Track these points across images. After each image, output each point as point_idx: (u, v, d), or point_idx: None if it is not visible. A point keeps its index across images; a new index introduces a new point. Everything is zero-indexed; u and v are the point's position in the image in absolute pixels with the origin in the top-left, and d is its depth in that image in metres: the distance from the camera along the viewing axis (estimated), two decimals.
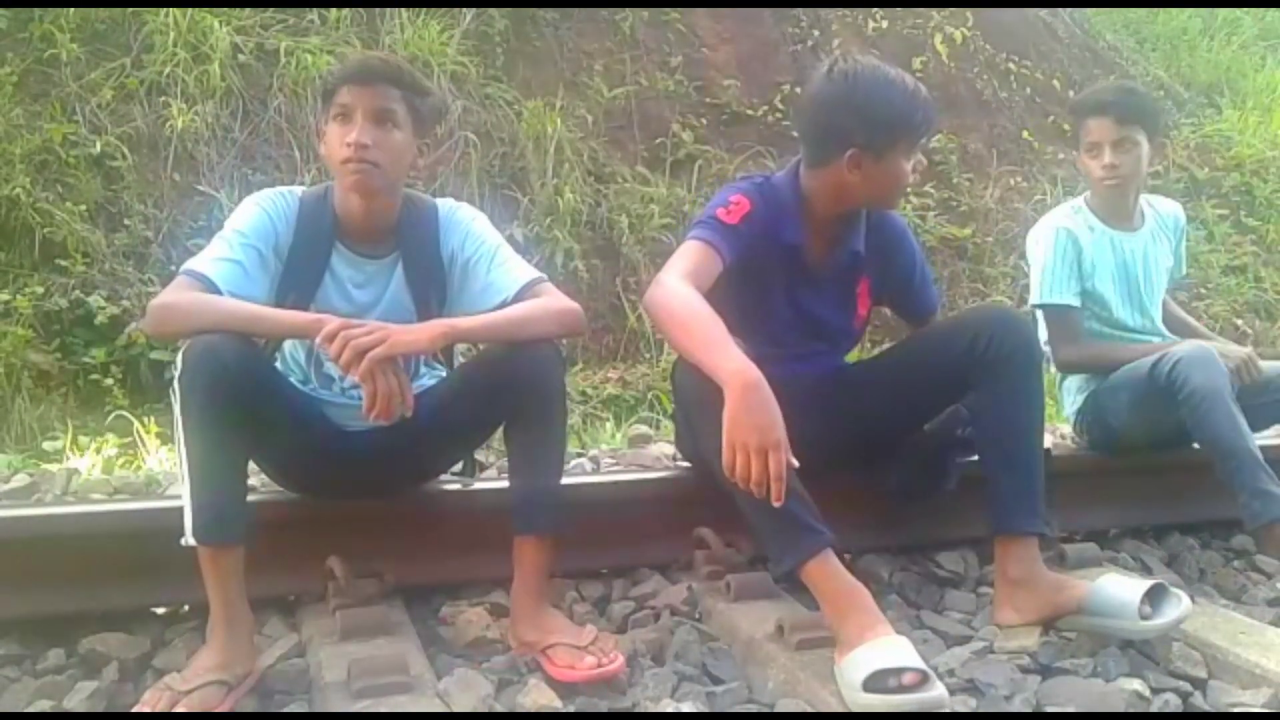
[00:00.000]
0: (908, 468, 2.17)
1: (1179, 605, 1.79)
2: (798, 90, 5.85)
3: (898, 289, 2.26)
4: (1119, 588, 1.84)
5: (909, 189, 2.10)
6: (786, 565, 1.73)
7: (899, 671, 1.52)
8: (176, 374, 1.63)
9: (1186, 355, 2.27)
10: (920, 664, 1.54)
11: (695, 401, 1.81)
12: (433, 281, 1.95)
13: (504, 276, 1.91)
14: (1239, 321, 5.69)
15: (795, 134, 2.17)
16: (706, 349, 1.71)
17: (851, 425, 2.08)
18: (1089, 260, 2.60)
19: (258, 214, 1.85)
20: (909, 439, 2.17)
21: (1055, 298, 2.56)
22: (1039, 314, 2.62)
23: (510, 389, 1.79)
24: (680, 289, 1.80)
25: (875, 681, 1.52)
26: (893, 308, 2.34)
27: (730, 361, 1.66)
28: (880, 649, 1.56)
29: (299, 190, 1.94)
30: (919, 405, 2.10)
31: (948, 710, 1.55)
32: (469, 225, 1.96)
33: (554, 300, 1.88)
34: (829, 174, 2.00)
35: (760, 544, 1.80)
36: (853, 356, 2.38)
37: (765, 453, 1.60)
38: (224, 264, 1.77)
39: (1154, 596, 1.80)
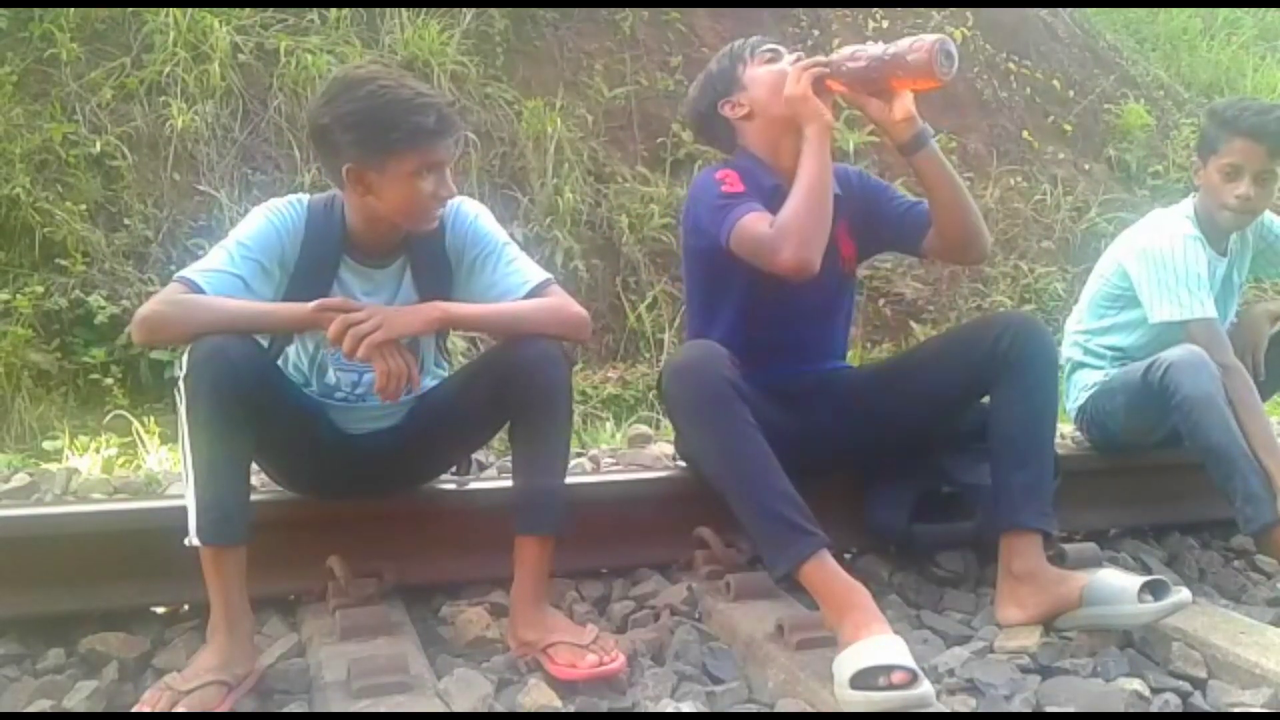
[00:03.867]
0: (888, 509, 2.19)
1: (1178, 594, 1.81)
2: None
3: (889, 216, 2.20)
4: (1117, 578, 1.88)
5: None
6: (781, 569, 1.74)
7: (888, 670, 1.52)
8: (181, 374, 1.62)
9: (1176, 361, 2.24)
10: (909, 663, 1.54)
11: (683, 409, 1.85)
12: (439, 279, 1.94)
13: (511, 276, 1.90)
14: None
15: None
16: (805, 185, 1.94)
17: (869, 425, 2.08)
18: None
19: (265, 226, 1.83)
20: (894, 479, 2.20)
21: (1207, 311, 2.38)
22: (1188, 328, 2.37)
23: (514, 388, 1.79)
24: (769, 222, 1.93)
25: (862, 679, 1.52)
26: (894, 238, 2.24)
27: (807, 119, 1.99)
28: (872, 647, 1.57)
29: (306, 199, 1.91)
30: (938, 404, 2.11)
31: (934, 710, 1.55)
32: (474, 222, 1.95)
33: (561, 301, 1.87)
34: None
35: (755, 548, 1.80)
36: (854, 359, 2.38)
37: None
38: (221, 276, 1.73)
39: (1153, 588, 1.82)
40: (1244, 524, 2.18)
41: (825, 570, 1.71)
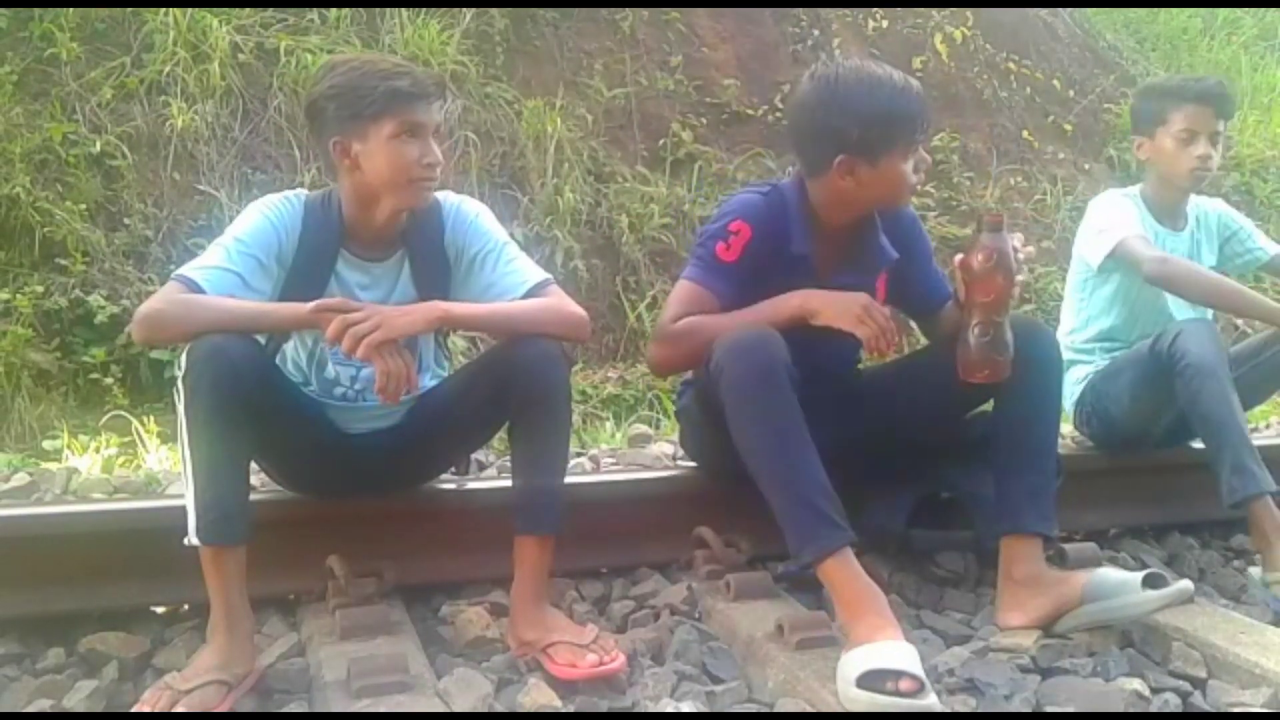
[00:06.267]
0: (886, 511, 2.19)
1: (1180, 582, 1.82)
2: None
3: (914, 281, 2.20)
4: (1117, 573, 1.89)
5: (917, 188, 2.03)
6: (806, 558, 1.72)
7: (897, 675, 1.51)
8: (181, 373, 1.62)
9: (1188, 328, 2.28)
10: (919, 672, 1.53)
11: (737, 387, 1.78)
12: (437, 276, 1.94)
13: (510, 276, 1.90)
14: (1239, 322, 5.69)
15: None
16: (754, 317, 1.89)
17: (871, 428, 2.08)
18: None
19: (261, 222, 1.83)
20: (895, 482, 2.20)
21: (1131, 229, 2.46)
22: (1119, 253, 2.46)
23: (513, 388, 1.79)
24: (679, 328, 1.94)
25: (870, 680, 1.52)
26: (907, 302, 2.26)
27: (784, 303, 1.92)
28: (884, 650, 1.56)
29: (303, 194, 1.92)
30: (941, 409, 2.10)
31: (944, 711, 1.55)
32: (474, 221, 1.96)
33: (560, 301, 1.88)
34: (826, 183, 1.97)
35: (783, 535, 1.76)
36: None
37: (866, 309, 1.86)
38: (219, 273, 1.74)
39: (1152, 581, 1.82)
40: (1227, 494, 2.19)
41: (848, 568, 1.70)
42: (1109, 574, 1.88)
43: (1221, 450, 2.19)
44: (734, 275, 1.97)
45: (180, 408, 1.63)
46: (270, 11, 4.96)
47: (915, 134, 1.93)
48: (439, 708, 1.53)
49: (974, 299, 1.82)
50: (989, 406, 2.06)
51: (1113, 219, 2.52)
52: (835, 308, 1.89)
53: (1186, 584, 1.82)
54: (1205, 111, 2.49)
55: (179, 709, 1.51)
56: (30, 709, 1.62)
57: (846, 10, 6.42)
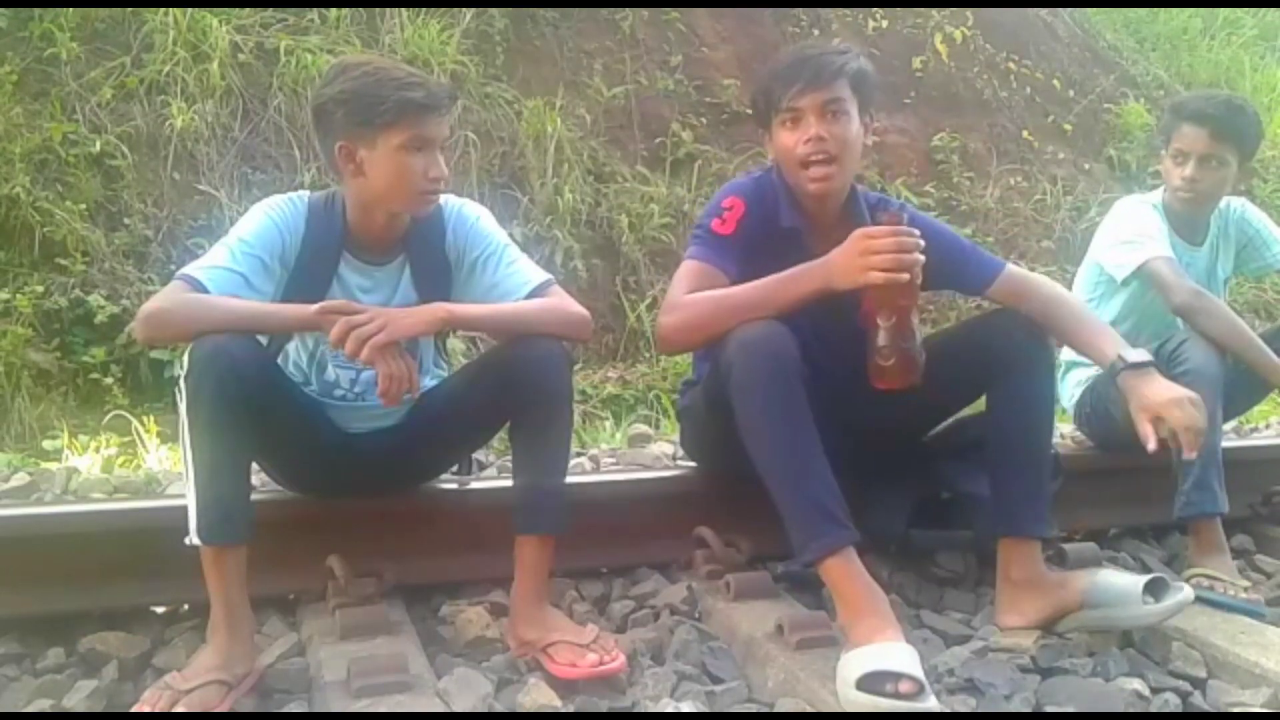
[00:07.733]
0: (886, 512, 2.18)
1: (1180, 592, 1.80)
2: None
3: (940, 268, 2.06)
4: (1119, 578, 1.87)
5: (809, 162, 1.97)
6: (809, 555, 1.72)
7: (896, 677, 1.51)
8: (183, 373, 1.62)
9: (1195, 337, 2.28)
10: (919, 674, 1.53)
11: (748, 383, 1.76)
12: (439, 279, 1.94)
13: (512, 278, 1.91)
14: None
15: None
16: (774, 293, 1.83)
17: (866, 423, 2.07)
18: None
19: (265, 223, 1.83)
20: (895, 482, 2.19)
21: (1160, 250, 2.43)
22: (1146, 272, 2.42)
23: (516, 387, 1.79)
24: (693, 297, 1.89)
25: (869, 682, 1.52)
26: (944, 284, 2.16)
27: (800, 279, 1.82)
28: (884, 652, 1.56)
29: (306, 195, 1.92)
30: (934, 405, 2.10)
31: (944, 712, 1.55)
32: (475, 223, 1.96)
33: (562, 301, 1.88)
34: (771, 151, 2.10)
35: (786, 533, 1.76)
36: None
37: (864, 254, 1.73)
38: (223, 273, 1.74)
39: (1154, 588, 1.81)
40: (1183, 505, 2.21)
41: (850, 567, 1.70)
42: (1109, 578, 1.87)
43: (1191, 461, 2.18)
44: (732, 249, 1.97)
45: (182, 407, 1.63)
46: (270, 11, 4.96)
47: (782, 101, 1.99)
48: (439, 708, 1.53)
49: (875, 304, 1.78)
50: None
51: (1139, 232, 2.48)
52: (838, 271, 1.78)
53: (1188, 592, 1.82)
54: (1198, 133, 2.44)
55: (179, 709, 1.51)
56: (30, 709, 1.62)
57: (846, 10, 6.42)
